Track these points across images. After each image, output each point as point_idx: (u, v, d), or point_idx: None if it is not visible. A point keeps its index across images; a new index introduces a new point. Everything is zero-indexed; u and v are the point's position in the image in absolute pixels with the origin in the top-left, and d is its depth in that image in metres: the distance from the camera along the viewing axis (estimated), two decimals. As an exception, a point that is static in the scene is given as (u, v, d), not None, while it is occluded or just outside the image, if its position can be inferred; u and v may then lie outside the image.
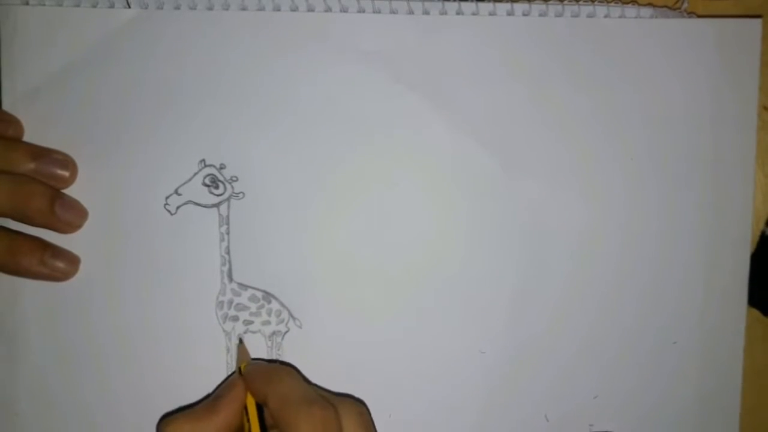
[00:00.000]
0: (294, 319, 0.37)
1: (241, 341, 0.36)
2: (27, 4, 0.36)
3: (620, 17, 0.37)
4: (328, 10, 0.37)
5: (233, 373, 0.36)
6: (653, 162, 0.37)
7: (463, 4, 0.37)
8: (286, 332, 0.37)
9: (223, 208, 0.37)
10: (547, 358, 0.37)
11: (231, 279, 0.37)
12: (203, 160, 0.37)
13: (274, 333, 0.37)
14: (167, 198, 0.36)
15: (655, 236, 0.37)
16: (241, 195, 0.37)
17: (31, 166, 0.35)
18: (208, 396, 0.35)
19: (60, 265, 0.36)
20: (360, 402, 0.35)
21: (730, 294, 0.37)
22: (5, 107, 0.36)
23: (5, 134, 0.35)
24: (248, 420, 0.32)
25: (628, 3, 0.37)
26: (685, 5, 0.37)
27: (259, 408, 0.32)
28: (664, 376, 0.37)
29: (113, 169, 0.36)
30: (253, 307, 0.37)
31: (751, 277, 0.37)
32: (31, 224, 0.35)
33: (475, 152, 0.37)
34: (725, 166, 0.37)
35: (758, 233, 0.38)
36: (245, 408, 0.32)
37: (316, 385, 0.36)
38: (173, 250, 0.37)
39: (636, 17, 0.37)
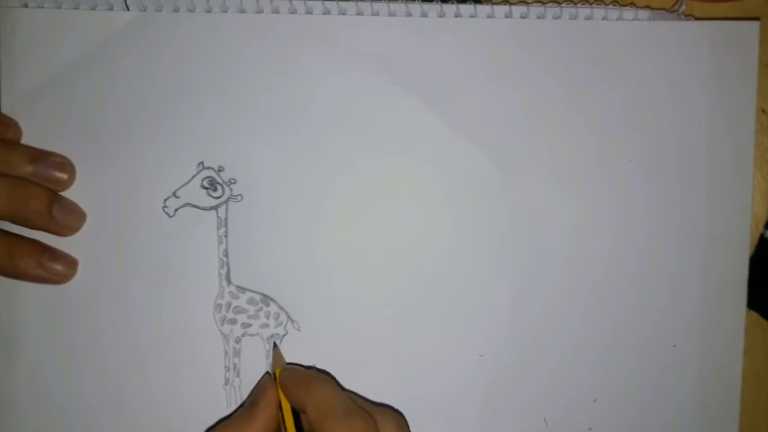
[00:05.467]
0: (292, 321, 0.37)
1: (275, 345, 0.36)
2: (26, 6, 0.36)
3: (618, 19, 0.37)
4: (327, 12, 0.37)
5: (265, 375, 0.36)
6: (651, 164, 0.37)
7: (461, 6, 0.37)
8: (285, 335, 0.37)
9: (222, 210, 0.37)
10: (545, 361, 0.37)
11: (229, 282, 0.37)
12: (201, 163, 0.37)
13: (272, 336, 0.37)
14: (165, 200, 0.36)
15: (654, 239, 0.37)
16: (239, 197, 0.37)
17: (29, 169, 0.35)
18: (242, 404, 0.36)
19: (58, 267, 0.36)
20: (398, 413, 0.35)
21: (730, 297, 0.37)
22: (4, 110, 0.36)
23: (3, 137, 0.36)
24: (284, 423, 0.33)
25: (626, 5, 0.37)
26: (683, 8, 0.37)
27: (295, 412, 0.33)
28: (663, 379, 0.37)
29: (111, 171, 0.36)
30: (252, 309, 0.37)
31: (750, 279, 0.37)
32: (29, 227, 0.35)
33: (473, 154, 0.37)
34: (723, 169, 0.37)
35: (757, 236, 0.38)
36: (280, 409, 0.33)
37: (352, 392, 0.36)
38: (171, 252, 0.36)
39: (633, 20, 0.37)
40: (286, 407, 0.33)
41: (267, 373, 0.36)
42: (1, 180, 0.34)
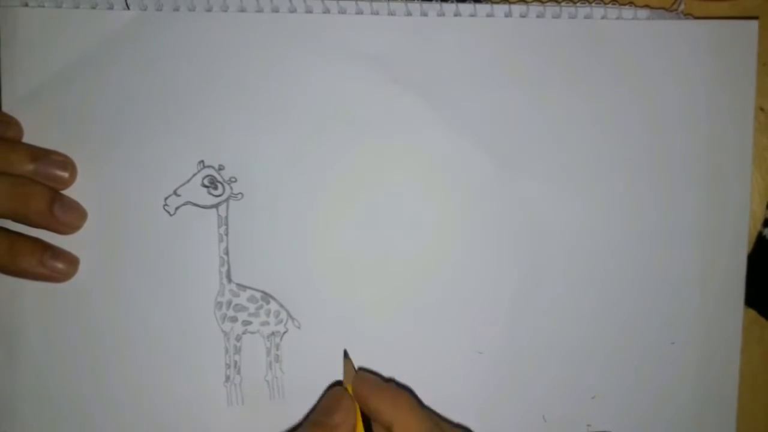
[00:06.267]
0: (292, 319, 0.37)
1: (346, 354, 0.36)
2: (26, 5, 0.36)
3: (617, 19, 0.37)
4: (326, 11, 0.37)
5: (333, 384, 0.36)
6: (651, 163, 0.37)
7: (460, 5, 0.37)
8: (285, 333, 0.37)
9: (222, 208, 0.37)
10: (544, 358, 0.37)
11: (230, 280, 0.37)
12: (202, 161, 0.37)
13: (272, 333, 0.37)
14: (166, 199, 0.37)
15: (652, 237, 0.37)
16: (239, 196, 0.37)
17: (31, 167, 0.35)
18: (311, 411, 0.36)
19: (59, 266, 0.36)
20: None
21: (728, 294, 0.37)
22: (5, 108, 0.36)
23: (5, 135, 0.36)
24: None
25: (625, 4, 0.37)
26: (682, 7, 0.37)
27: (366, 421, 0.33)
28: (661, 377, 0.37)
29: (112, 170, 0.37)
30: (252, 307, 0.37)
31: (748, 277, 0.37)
32: (30, 225, 0.35)
33: (473, 153, 0.37)
34: (722, 168, 0.37)
35: (755, 234, 0.39)
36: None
37: (430, 409, 0.36)
38: (172, 251, 0.37)
39: (632, 19, 0.37)
40: (358, 416, 0.33)
41: (335, 382, 0.36)
42: (2, 178, 0.34)
